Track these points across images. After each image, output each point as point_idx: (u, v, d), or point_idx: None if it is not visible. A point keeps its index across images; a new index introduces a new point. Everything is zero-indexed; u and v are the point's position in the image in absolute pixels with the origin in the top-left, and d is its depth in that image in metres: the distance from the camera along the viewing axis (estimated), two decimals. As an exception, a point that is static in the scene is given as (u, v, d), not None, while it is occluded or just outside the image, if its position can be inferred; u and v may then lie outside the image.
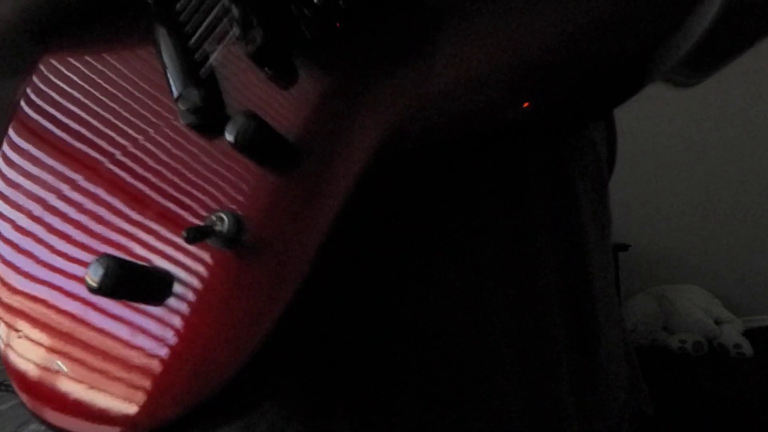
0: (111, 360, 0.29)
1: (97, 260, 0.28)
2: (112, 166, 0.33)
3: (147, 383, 0.27)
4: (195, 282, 0.28)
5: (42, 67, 0.39)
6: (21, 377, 0.31)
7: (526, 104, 0.23)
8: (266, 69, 0.29)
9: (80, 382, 0.29)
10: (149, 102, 0.34)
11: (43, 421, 0.30)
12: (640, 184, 2.30)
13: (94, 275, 0.27)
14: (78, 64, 0.37)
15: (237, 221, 0.27)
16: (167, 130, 0.32)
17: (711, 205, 2.41)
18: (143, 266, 0.29)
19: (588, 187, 0.43)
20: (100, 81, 0.36)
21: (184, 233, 0.27)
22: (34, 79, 0.39)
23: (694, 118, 2.29)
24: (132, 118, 0.34)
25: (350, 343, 0.34)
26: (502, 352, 0.37)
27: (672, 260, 2.45)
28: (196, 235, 0.27)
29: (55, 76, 0.38)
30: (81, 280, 0.29)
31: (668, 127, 2.30)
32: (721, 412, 1.82)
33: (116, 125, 0.34)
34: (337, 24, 0.27)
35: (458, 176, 0.35)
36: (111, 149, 0.34)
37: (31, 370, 0.31)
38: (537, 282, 0.39)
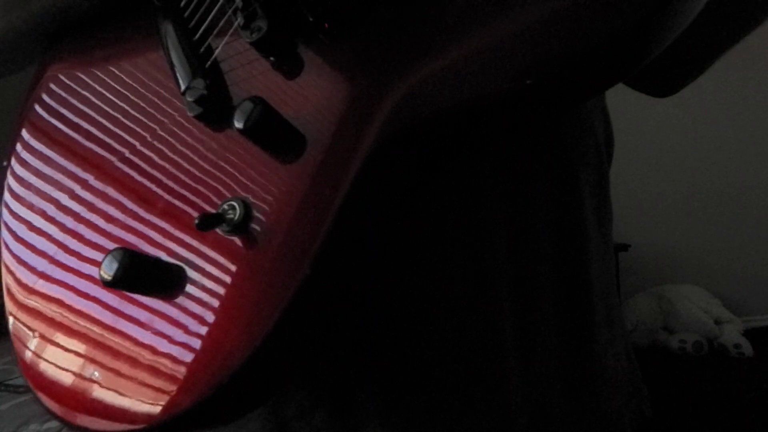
0: (125, 357, 0.29)
1: (111, 254, 0.28)
2: (121, 164, 0.33)
3: (162, 376, 0.27)
4: (207, 271, 0.28)
5: (53, 71, 0.39)
6: (37, 376, 0.32)
7: (528, 80, 0.23)
8: (271, 58, 0.30)
9: (94, 381, 0.29)
10: (156, 99, 0.34)
11: (59, 418, 0.30)
12: (640, 184, 2.31)
13: (108, 269, 0.28)
14: (87, 65, 0.38)
15: (248, 209, 0.28)
16: (175, 126, 0.32)
17: (711, 205, 2.42)
18: (156, 258, 0.29)
19: (589, 177, 0.43)
20: (108, 80, 0.36)
21: (195, 220, 0.27)
22: (46, 82, 0.39)
23: (694, 118, 2.30)
24: (140, 116, 0.34)
25: (368, 328, 0.34)
26: (505, 339, 0.37)
27: (672, 260, 2.46)
28: (208, 222, 0.28)
29: (66, 78, 0.38)
30: (95, 279, 0.30)
31: (668, 126, 2.30)
32: (721, 412, 1.82)
33: (125, 123, 0.34)
34: (326, 25, 0.28)
35: (460, 167, 0.36)
36: (120, 147, 0.34)
37: (48, 370, 0.31)
38: (533, 272, 0.39)
